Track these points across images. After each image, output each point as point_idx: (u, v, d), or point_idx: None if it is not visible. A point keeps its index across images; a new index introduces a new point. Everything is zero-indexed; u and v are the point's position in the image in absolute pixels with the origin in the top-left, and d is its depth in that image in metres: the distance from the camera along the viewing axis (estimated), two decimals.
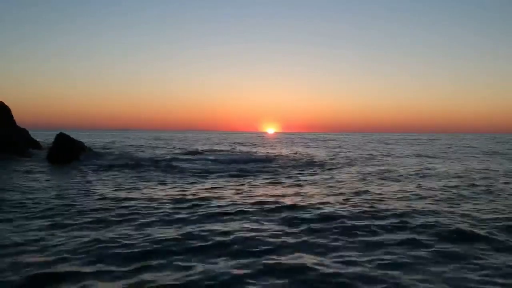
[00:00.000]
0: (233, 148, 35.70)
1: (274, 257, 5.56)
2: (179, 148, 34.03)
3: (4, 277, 4.78)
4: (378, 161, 22.65)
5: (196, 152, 29.02)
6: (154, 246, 5.99)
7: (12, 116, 28.56)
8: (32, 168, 16.82)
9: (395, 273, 5.05)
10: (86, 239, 6.30)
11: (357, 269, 5.15)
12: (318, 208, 8.81)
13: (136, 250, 5.82)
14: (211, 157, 23.82)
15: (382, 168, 18.49)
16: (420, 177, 15.06)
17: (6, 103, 27.68)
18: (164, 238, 6.39)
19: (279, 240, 6.42)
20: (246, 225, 7.35)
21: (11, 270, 5.00)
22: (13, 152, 21.39)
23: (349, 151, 32.09)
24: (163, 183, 13.26)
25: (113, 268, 5.13)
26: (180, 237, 6.47)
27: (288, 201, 9.76)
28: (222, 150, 31.86)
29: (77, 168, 17.18)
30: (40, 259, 5.42)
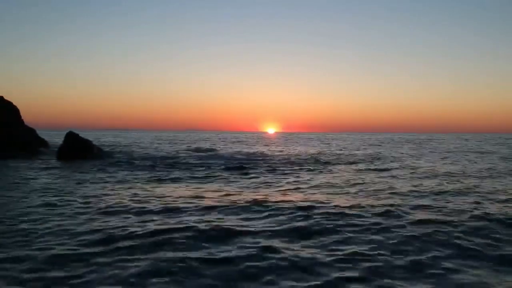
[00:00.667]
0: (237, 147, 36.65)
1: (253, 242, 6.43)
2: (184, 147, 35.01)
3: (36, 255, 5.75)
4: (376, 159, 23.58)
5: (200, 150, 30.05)
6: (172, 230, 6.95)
7: (20, 116, 29.58)
8: (45, 166, 17.80)
9: (371, 252, 6.00)
10: (108, 227, 7.27)
11: (333, 252, 6.06)
12: (311, 201, 9.77)
13: (147, 233, 6.78)
14: (216, 155, 24.80)
15: (378, 166, 19.47)
16: (412, 173, 16.01)
17: None
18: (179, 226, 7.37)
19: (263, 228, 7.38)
20: (249, 216, 8.31)
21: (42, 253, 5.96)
22: (26, 151, 22.41)
23: (347, 150, 33.05)
24: (176, 180, 14.17)
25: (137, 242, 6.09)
26: (184, 226, 7.44)
27: (285, 194, 10.73)
28: (226, 149, 32.85)
29: (89, 166, 18.11)
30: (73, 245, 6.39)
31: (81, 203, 9.36)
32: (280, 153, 29.15)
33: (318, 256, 5.74)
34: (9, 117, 25.16)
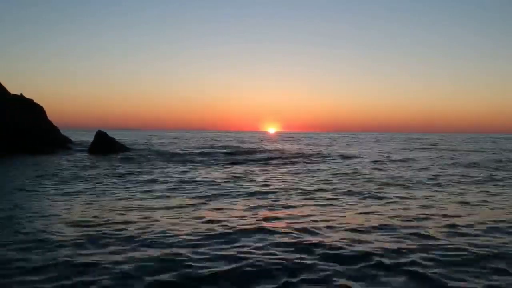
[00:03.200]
0: (242, 144, 39.88)
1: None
2: (194, 145, 38.24)
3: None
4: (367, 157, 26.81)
5: (210, 147, 33.31)
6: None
7: (47, 116, 32.77)
8: (83, 158, 21.04)
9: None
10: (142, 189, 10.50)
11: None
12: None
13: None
14: (223, 151, 28.11)
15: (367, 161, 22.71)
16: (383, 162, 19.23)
17: None
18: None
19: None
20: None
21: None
22: (59, 147, 25.66)
23: (340, 148, 36.31)
24: (204, 166, 17.43)
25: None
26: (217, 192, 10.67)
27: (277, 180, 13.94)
28: (232, 146, 36.09)
29: (120, 158, 21.33)
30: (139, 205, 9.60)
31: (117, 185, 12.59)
32: (284, 149, 32.25)
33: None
34: (44, 118, 28.37)
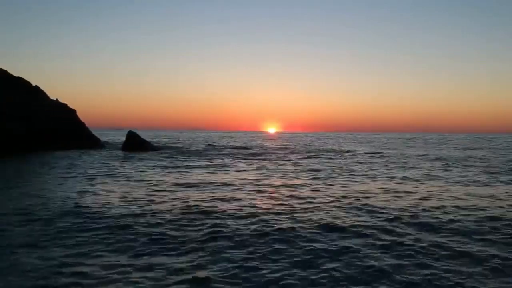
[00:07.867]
0: (249, 144, 44.10)
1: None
2: (208, 143, 42.46)
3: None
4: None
5: (216, 146, 37.59)
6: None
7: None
8: (119, 154, 25.28)
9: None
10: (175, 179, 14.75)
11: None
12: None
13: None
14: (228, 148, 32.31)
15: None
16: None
17: None
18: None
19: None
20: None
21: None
22: (95, 145, 29.91)
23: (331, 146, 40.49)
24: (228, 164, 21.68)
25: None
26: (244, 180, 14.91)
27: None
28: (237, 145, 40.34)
29: (151, 155, 25.54)
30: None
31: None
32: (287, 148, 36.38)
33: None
34: (77, 119, 32.59)
